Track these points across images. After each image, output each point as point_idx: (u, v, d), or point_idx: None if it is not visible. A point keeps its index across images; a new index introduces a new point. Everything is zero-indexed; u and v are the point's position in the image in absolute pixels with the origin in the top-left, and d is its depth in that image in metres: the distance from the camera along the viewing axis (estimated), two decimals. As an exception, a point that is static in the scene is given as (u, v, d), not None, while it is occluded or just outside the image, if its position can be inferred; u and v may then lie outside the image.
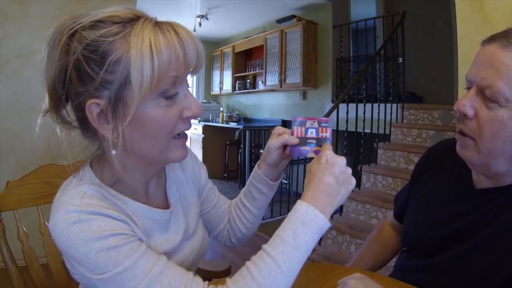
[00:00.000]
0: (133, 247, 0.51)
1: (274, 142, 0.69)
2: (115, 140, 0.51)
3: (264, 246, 0.54)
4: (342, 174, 0.57)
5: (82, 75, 0.49)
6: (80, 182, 0.55)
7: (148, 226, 0.60)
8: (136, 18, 0.51)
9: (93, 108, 0.51)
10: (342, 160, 0.58)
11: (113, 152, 0.52)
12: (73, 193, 0.53)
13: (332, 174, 0.56)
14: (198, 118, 5.70)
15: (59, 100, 0.53)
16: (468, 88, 0.66)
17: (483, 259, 0.66)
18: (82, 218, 0.49)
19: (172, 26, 0.51)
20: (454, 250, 0.71)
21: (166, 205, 0.67)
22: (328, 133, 0.67)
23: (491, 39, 0.63)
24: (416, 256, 0.80)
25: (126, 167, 0.55)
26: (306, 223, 0.53)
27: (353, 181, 0.58)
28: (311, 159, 0.63)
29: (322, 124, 0.67)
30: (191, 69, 0.54)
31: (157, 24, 0.51)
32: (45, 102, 0.54)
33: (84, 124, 0.55)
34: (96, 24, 0.50)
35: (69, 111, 0.55)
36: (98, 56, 0.48)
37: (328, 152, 0.58)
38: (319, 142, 0.66)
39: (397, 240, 0.97)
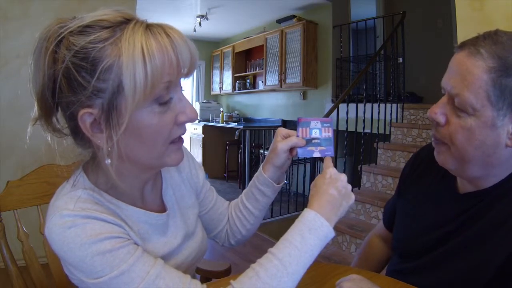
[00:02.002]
0: (129, 251, 0.51)
1: (283, 145, 0.69)
2: (110, 149, 0.50)
3: (271, 249, 0.55)
4: (344, 188, 0.61)
5: (72, 83, 0.48)
6: (74, 187, 0.54)
7: (145, 230, 0.60)
8: (125, 21, 0.49)
9: (85, 117, 0.49)
10: (344, 176, 0.63)
11: (108, 161, 0.50)
12: (67, 198, 0.52)
13: (336, 188, 0.60)
14: (198, 118, 5.71)
15: (49, 109, 0.51)
16: (444, 94, 0.66)
17: (466, 260, 0.66)
18: (76, 222, 0.49)
19: (163, 29, 0.49)
20: (439, 252, 0.71)
21: (162, 209, 0.66)
22: (330, 133, 0.70)
23: (461, 46, 0.62)
24: (406, 261, 0.80)
25: (121, 173, 0.54)
26: (313, 230, 0.56)
27: (353, 196, 0.63)
28: (313, 158, 0.64)
29: (324, 124, 0.71)
30: (185, 73, 0.52)
31: (148, 28, 0.49)
32: (34, 111, 0.52)
33: (76, 133, 0.53)
34: (85, 30, 0.47)
35: (59, 119, 0.54)
36: (88, 63, 0.47)
37: (331, 169, 0.64)
38: (323, 141, 0.70)
39: (385, 253, 0.97)
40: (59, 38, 0.48)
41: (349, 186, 0.62)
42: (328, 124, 0.71)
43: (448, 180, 0.76)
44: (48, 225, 0.50)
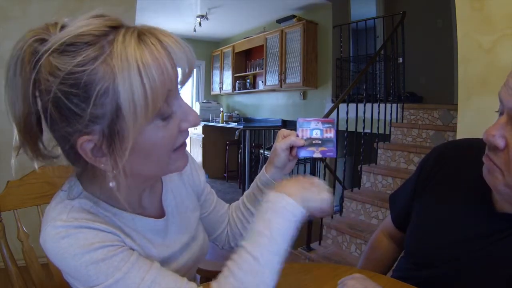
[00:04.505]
0: (123, 258, 0.50)
1: (281, 144, 0.69)
2: (115, 172, 0.47)
3: (242, 242, 0.53)
4: (317, 182, 0.59)
5: (65, 113, 0.43)
6: (68, 195, 0.53)
7: (143, 235, 0.59)
8: (111, 31, 0.44)
9: (86, 145, 0.45)
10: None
11: (113, 183, 0.47)
12: (61, 207, 0.52)
13: (308, 179, 0.59)
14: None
15: (34, 136, 0.47)
16: (500, 113, 0.59)
17: (494, 276, 0.63)
18: (69, 232, 0.48)
19: (157, 37, 0.45)
20: (463, 263, 0.67)
21: (161, 213, 0.65)
22: (332, 134, 0.69)
23: None
24: (419, 268, 0.76)
25: (121, 186, 0.51)
26: (278, 211, 0.53)
27: (327, 190, 0.58)
28: (315, 159, 0.64)
29: (325, 125, 0.70)
30: (183, 79, 0.50)
31: (140, 38, 0.44)
32: (15, 138, 0.47)
33: (77, 159, 0.49)
34: (67, 49, 0.42)
35: (45, 143, 0.49)
36: (80, 89, 0.42)
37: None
38: (324, 142, 0.69)
39: (395, 252, 0.93)
40: (37, 58, 0.42)
41: (324, 183, 0.59)
42: (330, 125, 0.70)
43: (482, 192, 0.68)
44: (43, 235, 0.50)
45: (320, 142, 0.69)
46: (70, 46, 0.42)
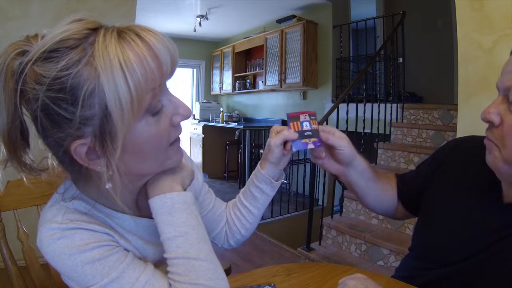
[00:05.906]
0: (119, 258, 0.50)
1: (275, 140, 0.70)
2: (111, 173, 0.47)
3: (164, 255, 0.53)
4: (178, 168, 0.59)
5: (55, 119, 0.43)
6: (63, 196, 0.54)
7: (140, 236, 0.59)
8: (91, 33, 0.44)
9: (79, 149, 0.45)
10: None
11: (109, 185, 0.47)
12: (55, 209, 0.52)
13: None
14: (198, 118, 5.71)
15: (19, 149, 0.47)
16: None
17: (505, 275, 0.63)
18: (65, 234, 0.49)
19: (136, 34, 0.45)
20: (475, 262, 0.67)
21: None
22: (317, 125, 0.72)
23: None
24: (428, 266, 0.75)
25: (117, 187, 0.51)
26: (171, 211, 0.53)
27: (190, 168, 0.61)
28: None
29: (311, 117, 0.72)
30: (168, 73, 0.49)
31: (120, 35, 0.44)
32: (1, 152, 0.47)
33: (73, 165, 0.49)
34: (50, 55, 0.42)
35: (33, 157, 0.49)
36: (67, 94, 0.42)
37: None
38: (314, 133, 0.71)
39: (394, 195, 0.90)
40: (20, 69, 0.42)
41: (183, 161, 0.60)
42: (314, 117, 0.72)
43: (492, 185, 0.69)
44: (39, 236, 0.51)
45: (311, 133, 0.70)
46: (52, 52, 0.42)
